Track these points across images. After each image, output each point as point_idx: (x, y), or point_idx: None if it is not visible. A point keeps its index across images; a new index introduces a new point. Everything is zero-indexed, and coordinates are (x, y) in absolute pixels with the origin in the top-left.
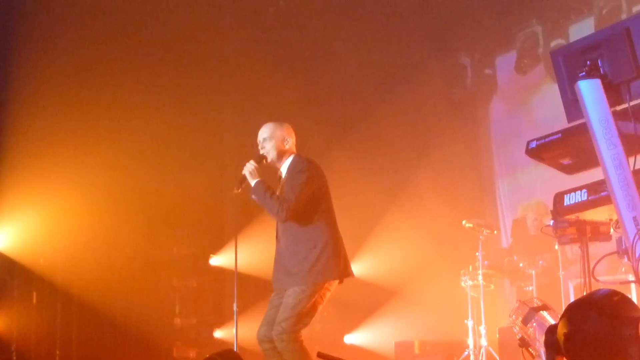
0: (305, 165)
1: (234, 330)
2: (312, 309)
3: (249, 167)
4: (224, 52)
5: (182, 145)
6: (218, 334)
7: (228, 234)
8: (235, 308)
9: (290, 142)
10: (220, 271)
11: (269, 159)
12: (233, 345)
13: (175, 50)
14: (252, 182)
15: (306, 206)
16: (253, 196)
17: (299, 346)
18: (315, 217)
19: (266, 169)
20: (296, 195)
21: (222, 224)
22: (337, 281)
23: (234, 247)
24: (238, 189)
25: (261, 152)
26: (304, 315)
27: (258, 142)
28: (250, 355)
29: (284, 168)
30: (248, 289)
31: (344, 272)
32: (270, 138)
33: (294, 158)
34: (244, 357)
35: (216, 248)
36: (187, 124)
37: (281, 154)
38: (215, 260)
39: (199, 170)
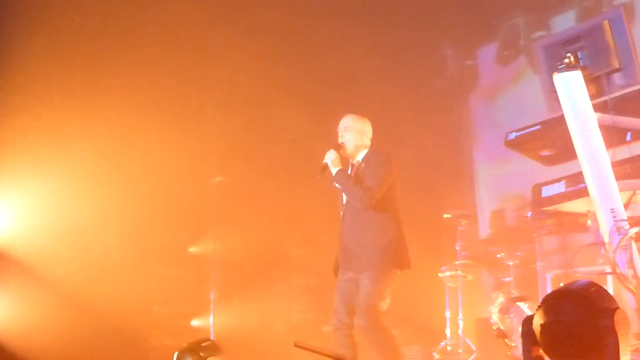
0: (385, 157)
1: (211, 319)
2: (387, 295)
3: (331, 156)
4: (206, 38)
5: (161, 132)
6: (195, 322)
7: (208, 223)
8: (212, 297)
9: (368, 136)
10: (199, 260)
11: (347, 149)
12: (209, 333)
13: (156, 35)
14: (334, 171)
15: (382, 195)
16: (336, 184)
17: (388, 334)
18: (388, 207)
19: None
20: (378, 184)
21: (202, 212)
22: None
23: (213, 236)
24: (319, 176)
25: (340, 140)
26: (382, 301)
27: (338, 129)
28: (226, 344)
29: (360, 158)
30: (226, 278)
31: (407, 263)
32: (351, 128)
33: (372, 149)
34: (220, 345)
35: (196, 237)
36: (167, 111)
37: (358, 146)
38: (195, 249)
39: (180, 157)
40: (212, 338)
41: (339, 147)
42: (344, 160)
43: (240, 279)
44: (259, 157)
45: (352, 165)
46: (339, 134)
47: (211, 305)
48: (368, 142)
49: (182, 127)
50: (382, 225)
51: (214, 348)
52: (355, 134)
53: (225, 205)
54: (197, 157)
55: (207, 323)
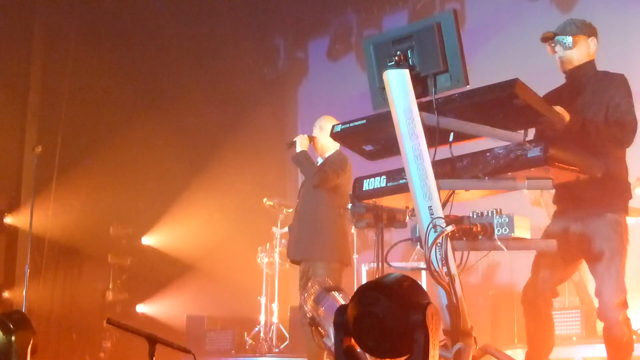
0: (344, 158)
1: (24, 292)
2: None
3: (301, 138)
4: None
5: None
6: (7, 294)
7: (25, 194)
8: (27, 270)
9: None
10: (14, 231)
11: (318, 144)
12: (22, 306)
13: None
14: (298, 149)
15: (334, 190)
16: (293, 161)
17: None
18: (334, 203)
19: None
20: (332, 170)
21: (19, 182)
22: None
23: (30, 208)
24: (287, 148)
25: (314, 134)
26: None
27: (314, 125)
28: (38, 318)
29: (326, 155)
30: (41, 252)
31: (348, 261)
32: (324, 129)
33: (338, 151)
34: (31, 319)
35: (12, 207)
36: None
37: (328, 146)
38: (10, 220)
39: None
40: (24, 311)
41: (311, 138)
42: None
43: (55, 254)
44: (80, 131)
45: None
46: (314, 129)
47: (25, 278)
48: (338, 145)
49: (3, 95)
50: (326, 219)
51: (24, 321)
52: (326, 135)
53: (45, 177)
54: (15, 126)
55: (20, 295)
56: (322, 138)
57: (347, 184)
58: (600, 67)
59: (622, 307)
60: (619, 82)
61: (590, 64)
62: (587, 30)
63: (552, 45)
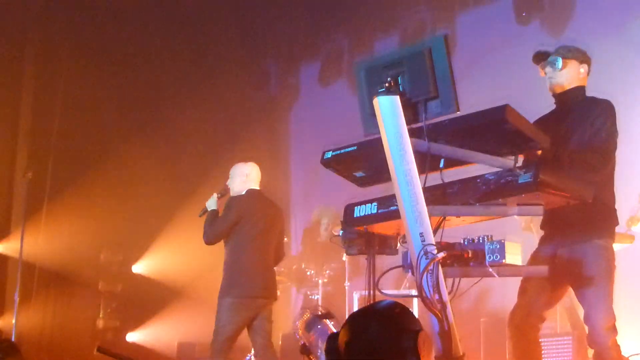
0: (232, 204)
1: (14, 320)
2: (223, 323)
3: (211, 198)
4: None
5: None
6: None
7: (15, 221)
8: (16, 297)
9: (251, 178)
10: (4, 259)
11: (232, 192)
12: (11, 334)
13: None
14: (210, 208)
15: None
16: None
17: None
18: (235, 240)
19: None
20: (211, 231)
21: (9, 209)
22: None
23: (20, 236)
24: (200, 216)
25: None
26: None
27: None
28: (28, 345)
29: None
30: (31, 280)
31: (247, 293)
32: (232, 175)
33: (233, 197)
34: (21, 346)
35: (2, 234)
36: None
37: (238, 192)
38: (0, 247)
39: None
40: (13, 339)
41: (226, 191)
42: None
43: (46, 281)
44: (72, 156)
45: None
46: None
47: (15, 306)
48: (251, 184)
49: None
50: (229, 258)
51: (13, 349)
52: (233, 180)
53: (35, 204)
54: (6, 152)
55: (9, 323)
56: (232, 186)
57: (244, 221)
58: (590, 93)
59: (611, 332)
60: (603, 108)
61: (580, 89)
62: (580, 56)
63: (542, 66)
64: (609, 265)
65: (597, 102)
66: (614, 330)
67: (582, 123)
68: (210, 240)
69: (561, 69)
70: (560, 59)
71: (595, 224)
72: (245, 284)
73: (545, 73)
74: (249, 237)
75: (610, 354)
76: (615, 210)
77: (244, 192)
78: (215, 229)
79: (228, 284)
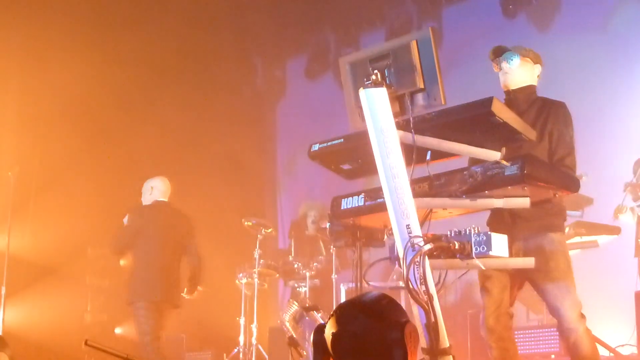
0: (126, 219)
1: (1, 314)
2: (143, 326)
3: (126, 217)
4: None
5: None
6: None
7: (2, 215)
8: (3, 292)
9: (159, 190)
10: None
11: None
12: None
13: None
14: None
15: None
16: None
17: None
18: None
19: None
20: (110, 246)
21: None
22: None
23: (6, 230)
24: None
25: None
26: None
27: None
28: (15, 340)
29: None
30: (18, 274)
31: (140, 296)
32: (143, 190)
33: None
34: (9, 340)
35: None
36: None
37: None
38: None
39: None
40: (1, 333)
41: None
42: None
43: (33, 275)
44: (58, 149)
45: None
46: None
47: (2, 301)
48: (158, 196)
49: None
50: (131, 263)
51: (1, 343)
52: (143, 194)
53: (21, 199)
54: None
55: None
56: (142, 199)
57: (144, 231)
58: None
59: (582, 319)
60: (563, 111)
61: (532, 88)
62: (534, 57)
63: (498, 62)
64: (566, 258)
65: (553, 102)
66: (583, 317)
67: (542, 124)
68: (113, 250)
69: (517, 66)
70: (518, 55)
71: (547, 219)
72: (144, 289)
73: (501, 68)
74: (148, 246)
75: (584, 341)
76: (564, 207)
77: (149, 204)
78: (118, 240)
79: (130, 290)
